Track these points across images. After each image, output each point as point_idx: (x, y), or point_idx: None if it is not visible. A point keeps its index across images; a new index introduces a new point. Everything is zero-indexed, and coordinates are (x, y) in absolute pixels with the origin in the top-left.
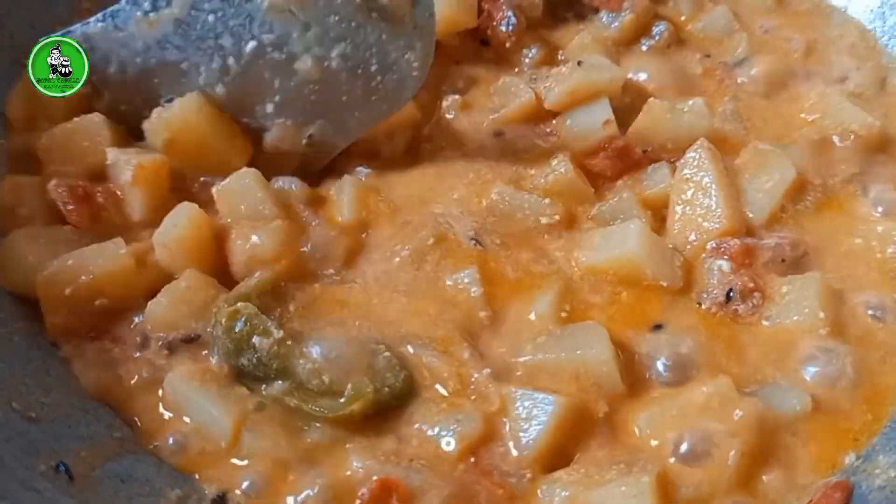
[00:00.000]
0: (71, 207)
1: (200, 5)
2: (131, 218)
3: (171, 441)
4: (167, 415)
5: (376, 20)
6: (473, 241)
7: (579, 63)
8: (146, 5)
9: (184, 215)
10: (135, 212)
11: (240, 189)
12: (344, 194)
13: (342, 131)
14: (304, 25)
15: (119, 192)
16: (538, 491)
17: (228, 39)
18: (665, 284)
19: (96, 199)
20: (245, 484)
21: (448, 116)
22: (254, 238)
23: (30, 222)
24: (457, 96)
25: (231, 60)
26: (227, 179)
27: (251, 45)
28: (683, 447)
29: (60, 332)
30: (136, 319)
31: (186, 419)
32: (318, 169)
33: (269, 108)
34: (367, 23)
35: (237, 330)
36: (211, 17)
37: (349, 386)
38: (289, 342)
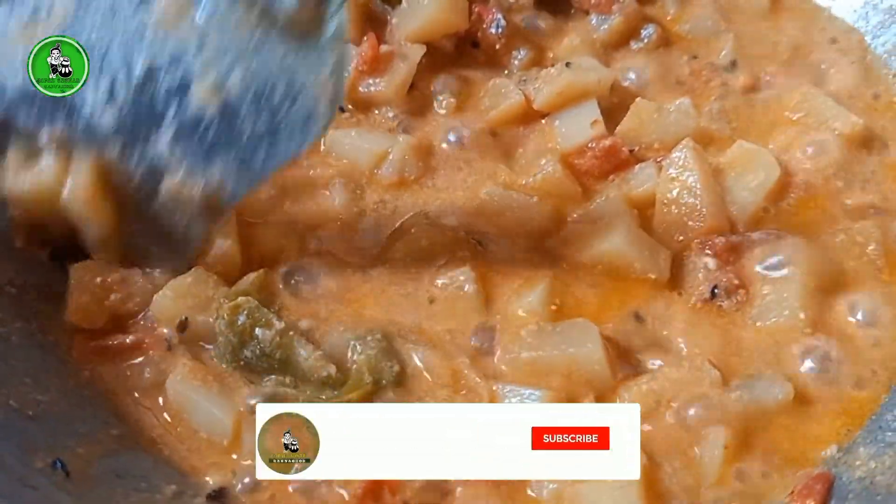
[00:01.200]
0: None
1: (83, 16)
2: None
3: (171, 439)
4: (168, 414)
5: (279, 34)
6: (465, 240)
7: (568, 64)
8: (24, 15)
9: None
10: None
11: None
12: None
13: (244, 176)
14: (198, 43)
15: None
16: (527, 489)
17: (116, 58)
18: (653, 277)
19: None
20: (244, 479)
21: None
22: None
23: None
24: (449, 99)
25: (119, 84)
26: None
27: (141, 64)
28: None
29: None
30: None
31: (188, 418)
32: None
33: (163, 143)
34: (269, 39)
35: (240, 323)
36: (95, 33)
37: (348, 377)
38: (290, 333)
